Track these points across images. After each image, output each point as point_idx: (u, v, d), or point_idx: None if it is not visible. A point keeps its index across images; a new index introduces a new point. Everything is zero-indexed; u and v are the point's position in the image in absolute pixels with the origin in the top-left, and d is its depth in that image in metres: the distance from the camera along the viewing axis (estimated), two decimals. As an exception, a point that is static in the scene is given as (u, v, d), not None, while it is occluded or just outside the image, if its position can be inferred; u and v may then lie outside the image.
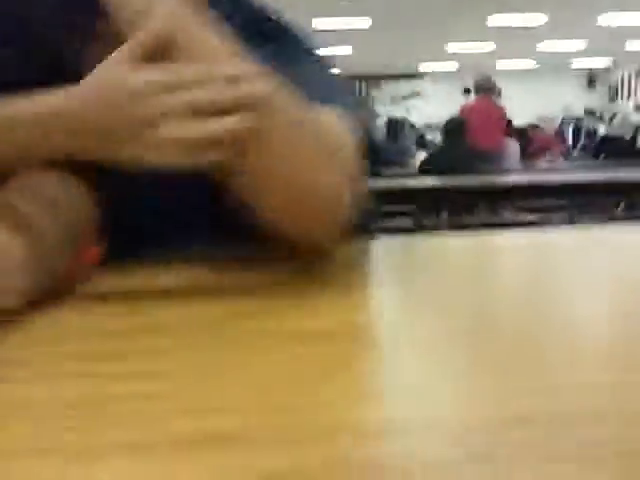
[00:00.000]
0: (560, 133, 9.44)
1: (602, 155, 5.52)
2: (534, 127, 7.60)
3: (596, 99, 13.08)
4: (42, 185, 0.46)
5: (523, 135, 5.91)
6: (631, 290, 0.47)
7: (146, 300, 0.45)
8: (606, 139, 5.70)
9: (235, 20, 0.51)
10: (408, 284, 0.51)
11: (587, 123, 9.14)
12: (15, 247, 0.39)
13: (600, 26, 8.57)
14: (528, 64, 11.88)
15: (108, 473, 0.22)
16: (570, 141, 9.44)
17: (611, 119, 6.02)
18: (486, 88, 4.41)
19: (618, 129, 5.58)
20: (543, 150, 6.18)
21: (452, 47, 9.85)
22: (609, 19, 8.17)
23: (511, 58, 11.15)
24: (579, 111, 10.84)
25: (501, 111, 4.46)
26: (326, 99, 0.55)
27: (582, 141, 8.44)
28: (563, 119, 10.24)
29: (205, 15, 0.45)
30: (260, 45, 0.54)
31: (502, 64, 11.43)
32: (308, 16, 5.64)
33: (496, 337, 0.36)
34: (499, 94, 4.75)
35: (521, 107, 9.36)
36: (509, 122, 5.08)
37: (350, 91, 0.65)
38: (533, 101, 11.59)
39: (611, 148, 5.36)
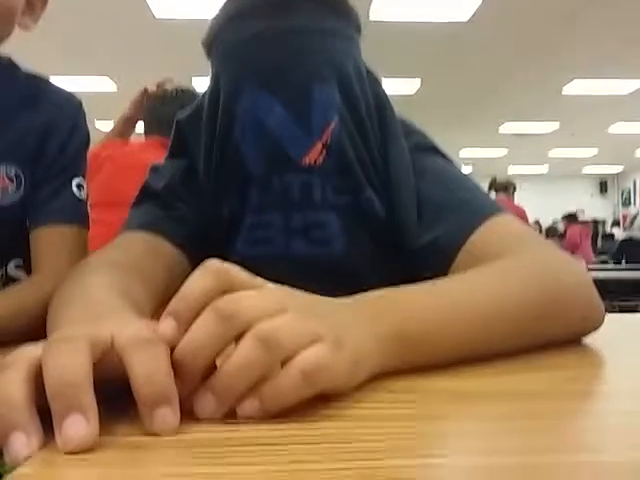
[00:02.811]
0: (563, 236, 9.45)
1: (624, 258, 5.49)
2: (571, 217, 7.09)
3: (609, 204, 13.28)
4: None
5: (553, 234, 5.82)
6: None
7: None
8: (626, 242, 5.69)
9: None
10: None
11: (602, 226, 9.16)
12: None
13: (610, 135, 8.86)
14: (540, 169, 12.19)
15: None
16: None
17: (632, 222, 6.03)
18: (504, 187, 4.47)
19: (638, 231, 5.57)
20: (573, 248, 5.98)
21: (465, 152, 10.16)
22: (619, 128, 8.45)
23: (524, 163, 11.47)
24: (592, 215, 10.96)
25: (522, 210, 4.50)
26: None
27: (600, 244, 8.44)
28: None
29: None
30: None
31: (514, 169, 11.74)
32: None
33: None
34: (513, 193, 4.82)
35: (535, 211, 9.49)
36: (537, 222, 5.03)
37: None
38: (546, 205, 11.77)
39: (633, 251, 5.34)
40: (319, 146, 0.62)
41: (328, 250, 0.63)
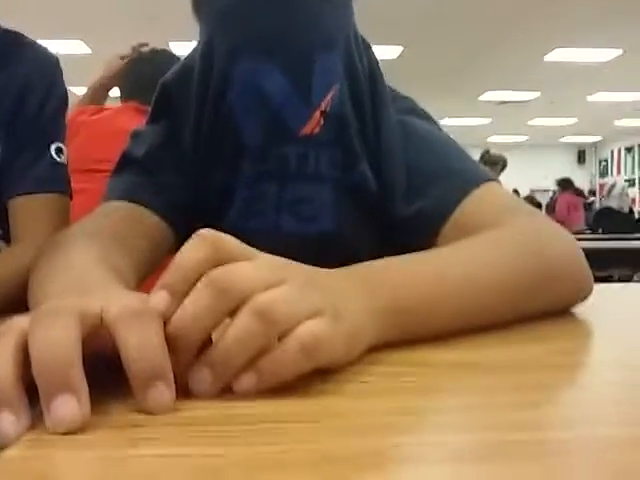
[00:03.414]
0: (553, 205, 9.56)
1: (600, 228, 5.56)
2: (565, 183, 6.93)
3: (587, 173, 13.42)
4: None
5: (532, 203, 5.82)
6: None
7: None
8: (603, 211, 5.76)
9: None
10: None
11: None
12: None
13: (589, 104, 8.90)
14: (520, 138, 12.23)
15: None
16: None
17: (609, 191, 6.10)
18: (493, 162, 4.42)
19: (615, 201, 5.65)
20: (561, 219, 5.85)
21: (446, 121, 10.13)
22: (598, 97, 8.48)
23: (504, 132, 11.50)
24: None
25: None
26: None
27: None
28: (555, 192, 10.41)
29: None
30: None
31: (495, 138, 11.77)
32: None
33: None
34: (502, 170, 4.75)
35: (513, 180, 9.54)
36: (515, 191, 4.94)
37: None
38: (525, 175, 11.84)
39: (609, 220, 5.41)
40: (317, 115, 0.60)
41: (317, 226, 0.62)
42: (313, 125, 0.60)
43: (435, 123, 0.71)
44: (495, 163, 4.49)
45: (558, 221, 0.58)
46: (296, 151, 0.60)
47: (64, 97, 0.72)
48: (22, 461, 0.23)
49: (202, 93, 0.63)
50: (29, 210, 0.66)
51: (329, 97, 0.60)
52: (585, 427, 0.27)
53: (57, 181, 0.69)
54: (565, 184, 6.93)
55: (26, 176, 0.67)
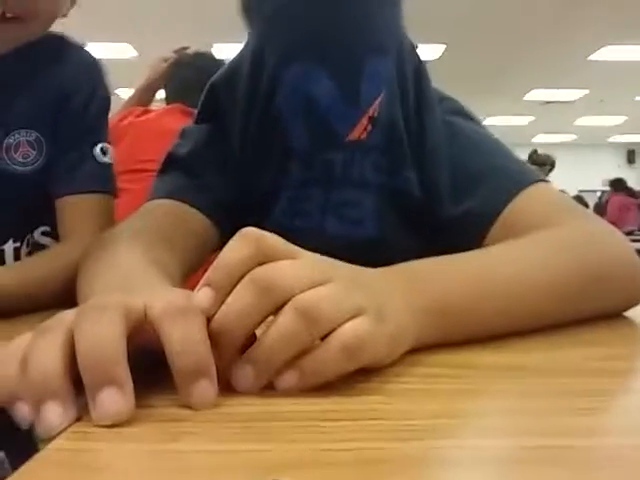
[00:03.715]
0: (600, 206, 9.29)
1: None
2: (617, 184, 6.77)
3: (636, 174, 12.98)
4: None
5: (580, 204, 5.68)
6: None
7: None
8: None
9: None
10: None
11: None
12: None
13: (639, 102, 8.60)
14: (566, 138, 11.92)
15: None
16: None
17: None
18: (541, 163, 4.30)
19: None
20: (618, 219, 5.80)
21: (489, 121, 9.96)
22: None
23: (550, 132, 11.23)
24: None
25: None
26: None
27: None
28: (603, 192, 10.10)
29: None
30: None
31: (540, 137, 11.50)
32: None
33: None
34: (550, 170, 4.61)
35: (560, 181, 9.31)
36: (562, 192, 4.85)
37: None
38: (572, 175, 11.54)
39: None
40: (365, 120, 0.59)
41: (363, 230, 0.62)
42: (360, 130, 0.60)
43: (481, 125, 0.69)
44: (543, 163, 4.36)
45: (610, 222, 0.56)
46: (342, 157, 0.60)
47: (107, 99, 0.74)
48: (67, 452, 0.23)
49: (251, 95, 0.63)
50: (76, 209, 0.68)
51: (377, 102, 0.59)
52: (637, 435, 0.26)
53: (103, 181, 0.71)
54: (617, 185, 6.71)
55: (73, 176, 0.69)
